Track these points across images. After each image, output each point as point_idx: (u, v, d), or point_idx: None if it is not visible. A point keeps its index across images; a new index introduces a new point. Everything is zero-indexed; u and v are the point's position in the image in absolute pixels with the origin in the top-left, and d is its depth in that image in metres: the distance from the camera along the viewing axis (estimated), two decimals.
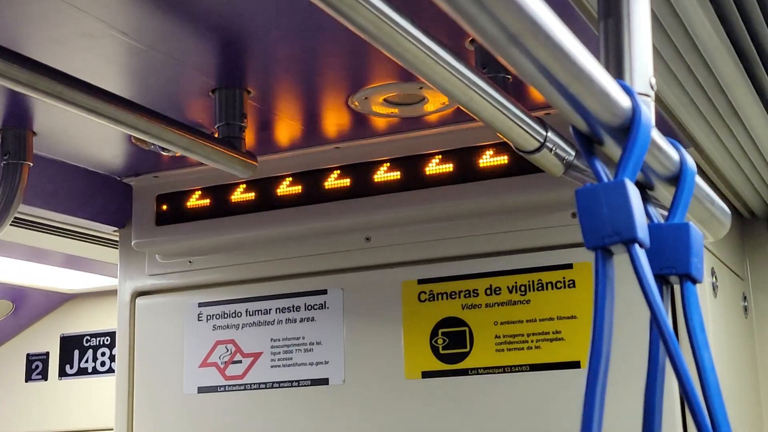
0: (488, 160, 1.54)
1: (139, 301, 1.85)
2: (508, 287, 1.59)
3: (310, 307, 1.73)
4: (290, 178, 1.68)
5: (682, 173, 0.80)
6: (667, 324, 0.65)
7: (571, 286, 1.54)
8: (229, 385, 1.76)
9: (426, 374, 1.61)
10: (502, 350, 1.57)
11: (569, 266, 1.54)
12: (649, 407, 0.77)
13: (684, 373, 0.66)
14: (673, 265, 0.78)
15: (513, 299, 1.58)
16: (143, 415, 1.79)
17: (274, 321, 1.75)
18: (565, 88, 0.60)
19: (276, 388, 1.72)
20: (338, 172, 1.65)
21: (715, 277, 1.61)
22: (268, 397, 1.72)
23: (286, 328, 1.74)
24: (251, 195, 1.71)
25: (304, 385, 1.70)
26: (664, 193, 0.82)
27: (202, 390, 1.77)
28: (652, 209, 0.81)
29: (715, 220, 0.96)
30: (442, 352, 1.61)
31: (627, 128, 0.67)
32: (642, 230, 0.65)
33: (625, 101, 0.66)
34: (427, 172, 1.60)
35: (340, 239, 1.69)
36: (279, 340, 1.74)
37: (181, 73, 1.31)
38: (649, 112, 0.67)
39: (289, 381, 1.71)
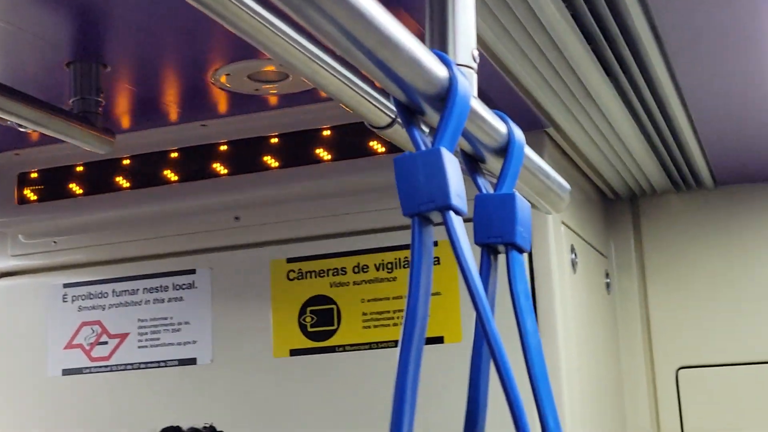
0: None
1: (1, 282, 1.80)
2: (375, 265, 1.61)
3: (178, 287, 1.71)
4: (154, 157, 1.66)
5: (509, 145, 0.82)
6: (479, 292, 0.67)
7: (437, 263, 1.56)
8: (95, 367, 1.73)
9: (294, 352, 1.61)
10: (369, 327, 1.59)
11: (434, 244, 1.56)
12: (474, 380, 0.79)
13: (495, 341, 0.68)
14: (499, 234, 0.80)
15: (380, 277, 1.60)
16: (3, 399, 1.75)
17: (141, 301, 1.73)
18: (373, 54, 0.60)
19: (143, 368, 1.70)
20: (204, 150, 1.64)
21: (575, 254, 1.66)
22: (135, 378, 1.70)
23: (154, 309, 1.72)
24: (116, 173, 1.69)
25: (172, 365, 1.68)
26: (495, 165, 0.84)
27: (66, 372, 1.74)
28: (482, 181, 0.83)
29: (553, 194, 0.99)
30: (310, 330, 1.61)
31: (445, 98, 0.68)
32: (457, 198, 0.67)
33: (442, 71, 0.67)
34: (297, 151, 1.60)
35: (209, 218, 1.68)
36: (146, 320, 1.72)
37: (35, 46, 1.28)
38: (468, 82, 0.69)
39: (156, 361, 1.69)
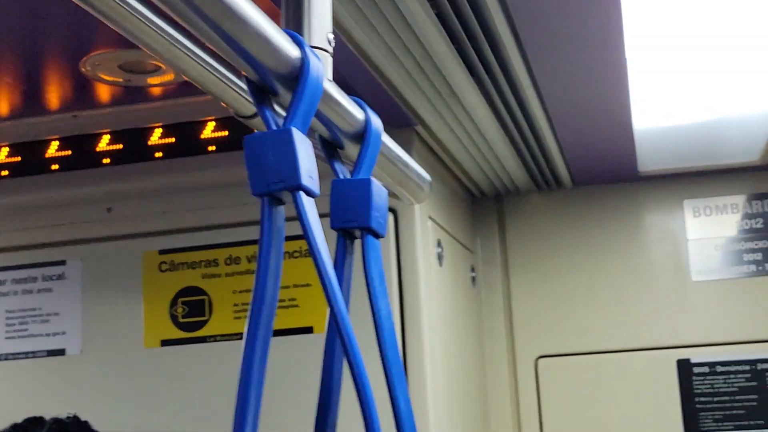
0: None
1: None
2: (246, 257, 1.57)
3: (47, 278, 1.63)
4: (24, 147, 1.58)
5: (366, 131, 0.79)
6: (329, 273, 0.64)
7: (307, 255, 1.53)
8: None
9: (165, 342, 1.55)
10: (240, 318, 1.54)
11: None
12: (327, 366, 0.76)
13: (343, 325, 0.65)
14: (354, 218, 0.77)
15: (251, 269, 1.55)
16: None
17: (9, 292, 1.64)
18: (218, 26, 0.57)
19: (11, 359, 1.61)
20: (77, 141, 1.57)
21: (441, 248, 1.65)
22: (2, 370, 1.61)
23: (22, 300, 1.63)
24: None
25: (41, 356, 1.60)
26: (354, 151, 0.81)
27: None
28: (339, 166, 0.80)
29: (413, 183, 0.97)
30: (181, 320, 1.56)
31: (297, 78, 0.65)
32: (309, 178, 0.64)
33: (294, 51, 0.64)
34: (171, 144, 1.55)
35: (81, 210, 1.60)
36: (14, 311, 1.63)
37: None
38: (320, 64, 0.66)
39: (24, 352, 1.61)
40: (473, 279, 1.97)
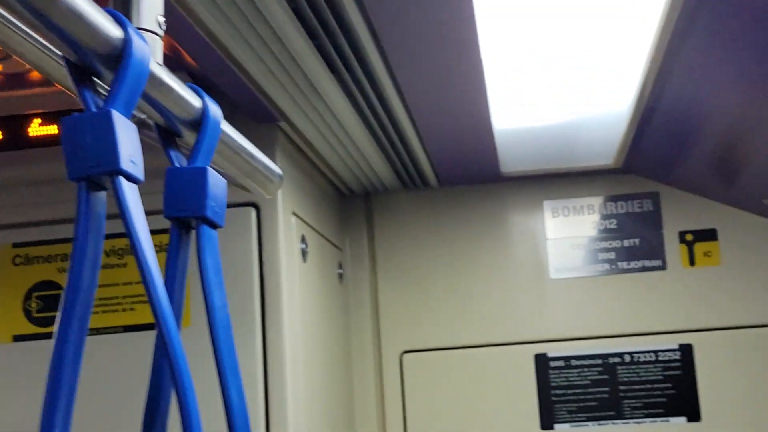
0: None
1: None
2: (105, 251, 1.50)
3: None
4: None
5: (203, 119, 0.75)
6: (148, 263, 0.60)
7: (164, 249, 1.48)
8: None
9: (17, 338, 1.47)
10: (98, 312, 1.47)
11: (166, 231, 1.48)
12: (158, 360, 0.72)
13: (163, 319, 0.61)
14: (188, 207, 0.74)
15: (110, 263, 1.49)
16: None
17: None
18: (28, 2, 0.52)
19: None
20: None
21: (306, 244, 1.62)
22: None
23: None
24: None
25: None
26: (192, 140, 0.77)
27: None
28: (175, 155, 0.77)
29: (261, 176, 0.94)
30: (35, 315, 1.48)
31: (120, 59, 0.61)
32: (130, 163, 0.60)
33: (117, 32, 0.60)
34: (30, 134, 1.46)
35: None
36: None
37: None
38: (146, 46, 0.62)
39: None
40: (340, 276, 1.94)
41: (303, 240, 1.62)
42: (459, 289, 2.00)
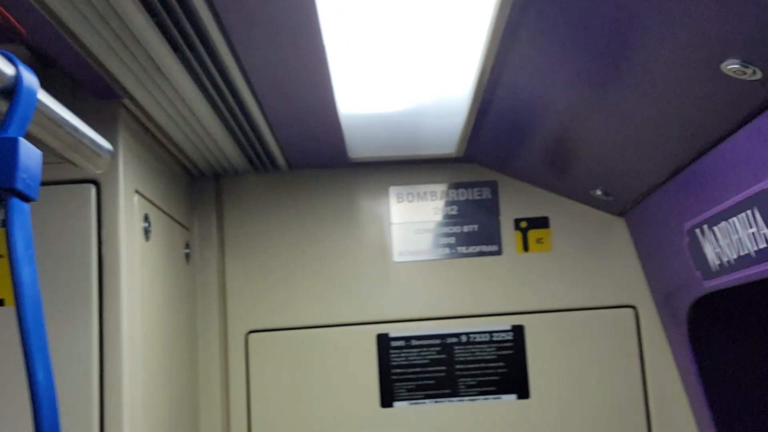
0: None
1: None
2: None
3: None
4: None
5: (16, 88, 0.71)
6: None
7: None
8: None
9: None
10: None
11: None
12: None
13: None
14: None
15: None
16: None
17: None
18: None
19: None
20: None
21: (149, 223, 1.58)
22: None
23: None
24: None
25: None
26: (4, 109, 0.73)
27: None
28: None
29: (88, 150, 0.90)
30: None
31: None
32: None
33: None
34: None
35: None
36: None
37: None
38: None
39: None
40: (187, 256, 1.90)
41: (146, 219, 1.57)
42: (306, 270, 2.00)
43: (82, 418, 1.35)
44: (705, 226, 1.54)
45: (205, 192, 2.02)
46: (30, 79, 0.72)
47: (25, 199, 0.71)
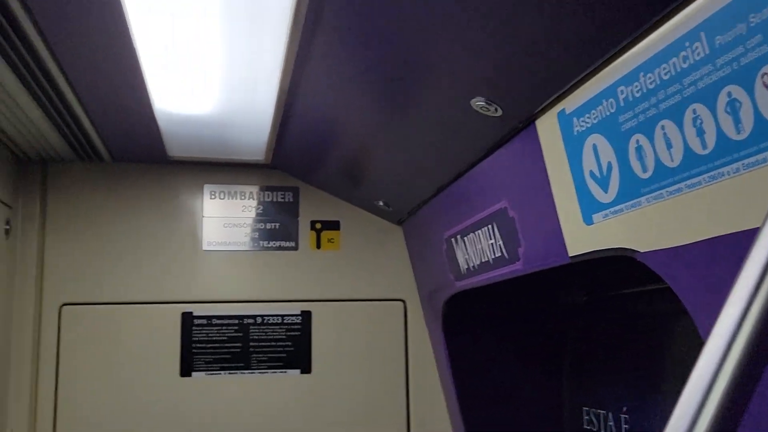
0: None
1: None
2: None
3: None
4: None
5: None
6: None
7: None
8: None
9: None
10: None
11: None
12: None
13: None
14: None
15: None
16: None
17: None
18: None
19: None
20: None
21: None
22: None
23: None
24: None
25: None
26: None
27: None
28: None
29: None
30: None
31: None
32: None
33: None
34: None
35: None
36: None
37: None
38: None
39: None
40: (7, 231, 1.72)
41: None
42: (122, 252, 1.86)
43: None
44: (458, 236, 1.55)
45: (31, 175, 1.84)
46: None
47: None
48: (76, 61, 1.24)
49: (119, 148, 1.76)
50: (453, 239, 1.58)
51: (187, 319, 1.87)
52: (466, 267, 1.55)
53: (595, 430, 1.64)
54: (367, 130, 1.47)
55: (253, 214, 1.95)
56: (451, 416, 1.88)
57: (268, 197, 1.96)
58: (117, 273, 1.85)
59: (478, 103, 1.11)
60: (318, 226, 1.98)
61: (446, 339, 1.79)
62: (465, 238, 1.51)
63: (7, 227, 1.72)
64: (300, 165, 1.87)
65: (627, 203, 0.91)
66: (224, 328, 1.89)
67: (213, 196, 1.94)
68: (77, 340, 1.81)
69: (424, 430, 1.93)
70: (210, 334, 1.88)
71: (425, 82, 1.15)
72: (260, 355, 1.90)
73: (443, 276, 1.70)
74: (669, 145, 0.81)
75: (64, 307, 1.81)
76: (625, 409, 1.52)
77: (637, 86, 0.84)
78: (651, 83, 0.82)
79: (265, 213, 1.96)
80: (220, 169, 1.94)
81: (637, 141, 0.86)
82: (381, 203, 1.87)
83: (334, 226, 1.98)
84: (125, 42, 1.16)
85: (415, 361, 1.96)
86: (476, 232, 1.44)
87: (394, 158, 1.55)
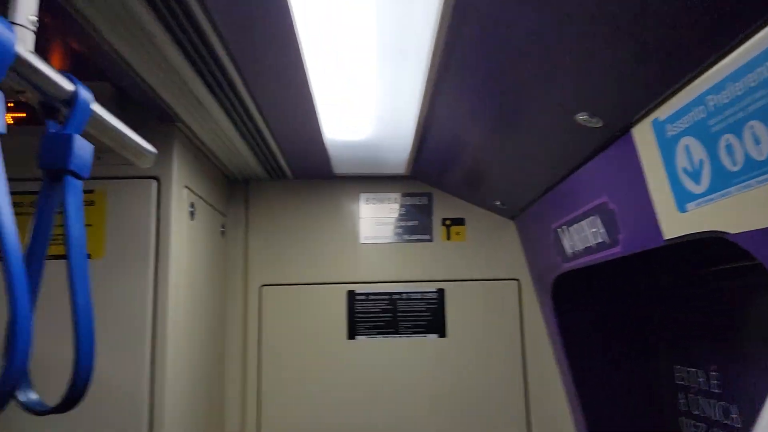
0: None
1: None
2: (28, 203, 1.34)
3: None
4: None
5: (75, 99, 0.66)
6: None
7: (91, 203, 1.34)
8: None
9: None
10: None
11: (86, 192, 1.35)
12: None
13: (5, 246, 0.51)
14: (57, 162, 0.63)
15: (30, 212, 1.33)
16: None
17: None
18: None
19: None
20: None
21: (194, 208, 1.52)
22: None
23: None
24: None
25: None
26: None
27: None
28: (53, 124, 0.66)
29: (134, 150, 0.84)
30: None
31: None
32: None
33: None
34: None
35: None
36: None
37: None
38: (12, 34, 0.52)
39: None
40: (222, 232, 1.84)
41: (192, 205, 1.51)
42: (303, 246, 1.94)
43: (139, 336, 1.29)
44: (564, 226, 1.50)
45: (238, 190, 1.96)
46: (86, 94, 0.67)
47: (77, 177, 0.65)
48: (270, 104, 1.31)
49: (299, 168, 1.84)
50: (560, 229, 1.53)
51: (351, 295, 1.92)
52: (572, 251, 1.49)
53: (685, 384, 1.53)
54: (487, 144, 1.45)
55: (396, 214, 1.98)
56: (562, 375, 1.82)
57: (408, 201, 1.98)
58: (300, 261, 1.93)
59: (581, 117, 1.07)
60: (447, 222, 1.97)
61: (556, 311, 1.73)
62: (570, 228, 1.46)
63: (222, 230, 1.85)
64: (433, 175, 1.88)
65: (718, 193, 0.84)
66: (378, 302, 1.93)
67: (367, 202, 1.98)
68: (273, 312, 1.91)
69: (538, 383, 1.88)
70: (368, 307, 1.92)
71: (535, 103, 1.12)
72: (406, 323, 1.92)
73: (551, 259, 1.65)
74: (757, 142, 0.75)
75: (263, 287, 1.91)
76: (714, 367, 1.41)
77: (725, 94, 0.78)
78: (739, 90, 0.76)
79: (406, 213, 1.98)
80: (372, 181, 1.98)
81: (727, 140, 0.80)
82: (498, 203, 1.84)
83: (460, 222, 1.97)
84: (305, 89, 1.22)
85: (529, 327, 1.91)
86: (580, 223, 1.39)
87: (509, 166, 1.53)
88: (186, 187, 1.46)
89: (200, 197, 1.59)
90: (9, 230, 0.51)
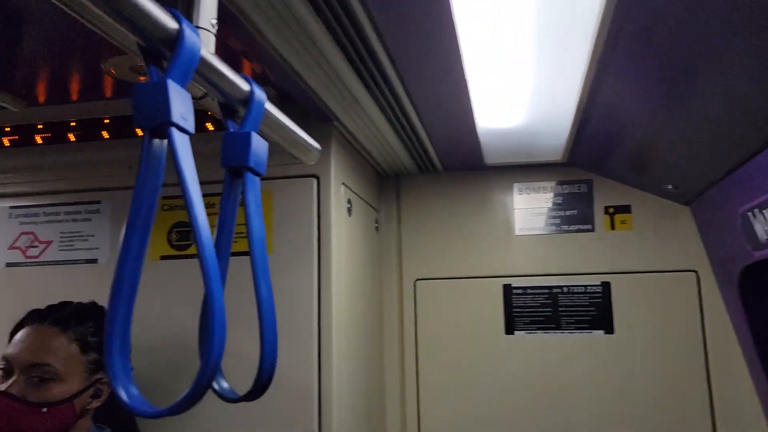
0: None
1: None
2: (211, 203, 1.44)
3: (88, 212, 1.50)
4: (74, 123, 1.44)
5: (251, 98, 0.68)
6: (192, 197, 0.52)
7: None
8: (29, 262, 1.49)
9: (163, 257, 1.44)
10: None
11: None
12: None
13: (200, 242, 0.53)
14: (237, 159, 0.66)
15: (208, 212, 1.43)
16: None
17: (62, 219, 1.50)
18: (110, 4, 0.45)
19: (62, 264, 1.48)
20: (107, 120, 1.43)
21: (351, 204, 1.55)
22: (55, 271, 1.48)
23: (71, 225, 1.50)
24: (47, 132, 1.45)
25: (81, 264, 1.47)
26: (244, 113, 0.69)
27: (9, 265, 1.50)
28: (232, 123, 0.69)
29: (301, 146, 0.86)
30: (174, 243, 1.44)
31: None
32: (181, 119, 0.53)
33: (173, 24, 0.53)
34: None
35: (113, 167, 1.48)
36: (66, 232, 1.50)
37: None
38: (195, 35, 0.55)
39: (71, 260, 1.48)
40: (376, 228, 1.87)
41: (349, 202, 1.54)
42: (456, 239, 1.91)
43: (307, 328, 1.34)
44: (756, 210, 1.31)
45: (389, 185, 1.97)
46: (260, 93, 0.69)
47: (256, 174, 0.67)
48: (423, 96, 1.29)
49: (449, 160, 1.81)
50: (750, 213, 1.34)
51: (507, 289, 1.86)
52: (766, 238, 1.30)
53: None
54: (659, 123, 1.31)
55: (554, 204, 1.87)
56: (752, 373, 1.60)
57: (566, 189, 1.87)
58: (453, 255, 1.90)
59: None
60: (611, 210, 1.83)
61: (744, 306, 1.52)
62: (764, 211, 1.27)
63: (376, 225, 1.87)
64: (593, 160, 1.74)
65: None
66: (537, 296, 1.84)
67: (521, 192, 1.90)
68: (428, 305, 1.90)
69: (724, 382, 1.67)
70: (526, 301, 1.84)
71: (712, 70, 0.98)
72: (568, 318, 1.81)
73: (738, 247, 1.45)
74: None
75: (418, 281, 1.91)
76: None
77: None
78: None
79: (564, 202, 1.86)
80: (526, 170, 1.90)
81: None
82: (670, 187, 1.66)
83: (625, 209, 1.82)
84: (460, 78, 1.18)
85: (712, 326, 1.70)
86: None
87: (682, 146, 1.37)
88: (343, 184, 1.49)
89: (356, 194, 1.62)
90: (204, 231, 0.53)
